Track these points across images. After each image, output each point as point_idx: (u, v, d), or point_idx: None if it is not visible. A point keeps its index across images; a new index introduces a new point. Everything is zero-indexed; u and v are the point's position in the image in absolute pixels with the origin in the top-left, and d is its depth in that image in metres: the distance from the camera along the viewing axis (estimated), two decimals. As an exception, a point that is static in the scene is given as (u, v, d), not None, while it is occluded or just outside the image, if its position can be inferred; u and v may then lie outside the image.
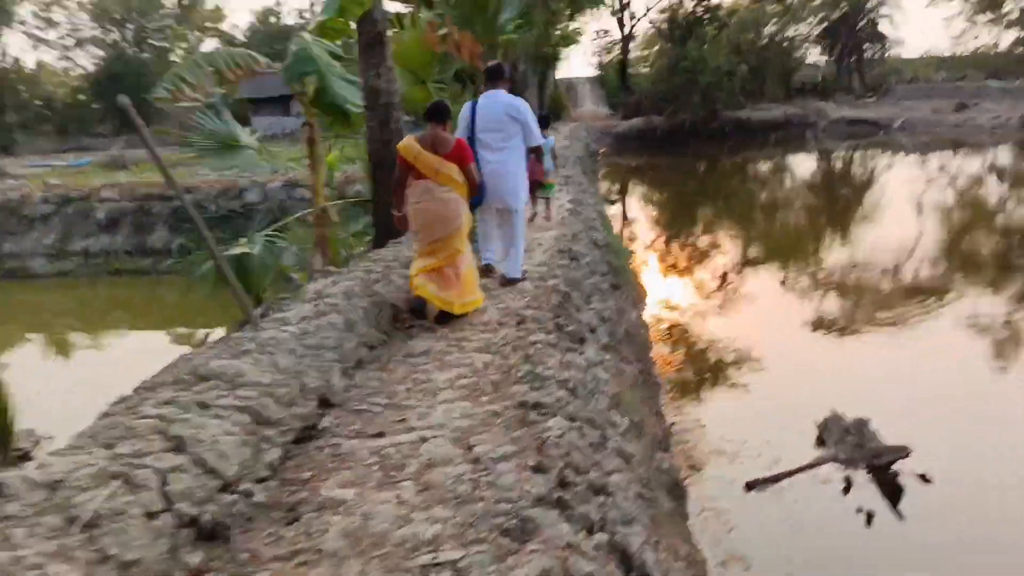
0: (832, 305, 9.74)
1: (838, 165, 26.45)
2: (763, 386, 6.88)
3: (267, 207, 14.31)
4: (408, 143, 4.79)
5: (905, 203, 17.04)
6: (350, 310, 4.24)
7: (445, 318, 4.71)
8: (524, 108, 5.41)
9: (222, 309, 7.11)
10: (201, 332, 10.07)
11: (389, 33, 7.18)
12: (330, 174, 8.76)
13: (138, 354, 9.38)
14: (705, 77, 30.44)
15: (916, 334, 8.25)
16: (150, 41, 49.73)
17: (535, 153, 6.11)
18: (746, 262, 12.73)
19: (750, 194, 21.66)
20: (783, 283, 11.11)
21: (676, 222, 17.69)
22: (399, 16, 8.73)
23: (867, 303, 9.72)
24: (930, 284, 10.35)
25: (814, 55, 45.30)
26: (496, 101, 5.32)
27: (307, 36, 6.96)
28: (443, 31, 7.87)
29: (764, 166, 27.68)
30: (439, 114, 4.85)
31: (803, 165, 27.23)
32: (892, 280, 10.63)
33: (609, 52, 45.69)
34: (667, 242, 14.89)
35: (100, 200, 15.45)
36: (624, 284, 8.06)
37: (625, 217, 17.74)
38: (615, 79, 41.27)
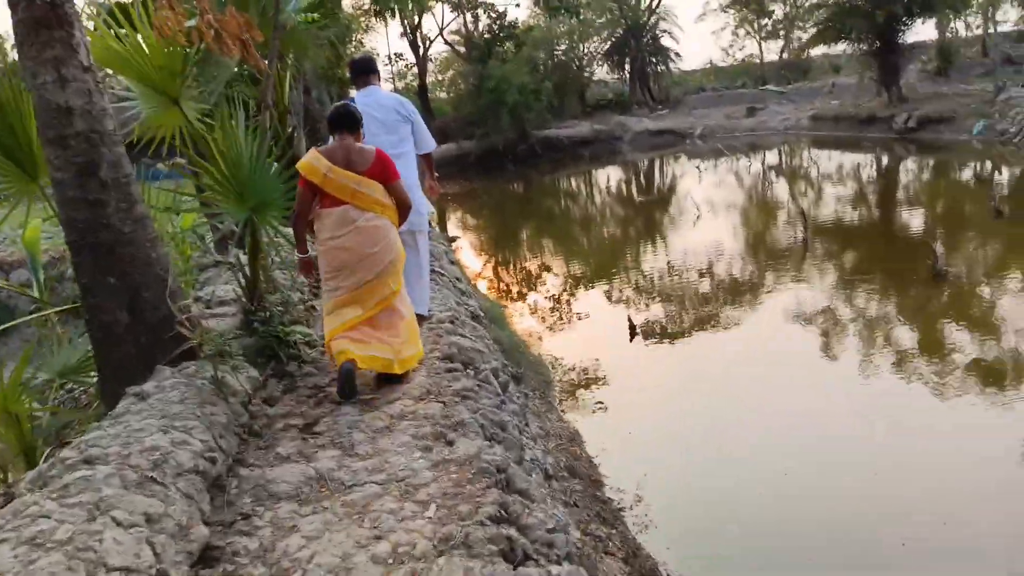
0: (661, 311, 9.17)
1: (650, 174, 26.34)
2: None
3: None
4: (312, 160, 3.90)
5: (713, 205, 16.63)
6: None
7: (386, 380, 3.87)
8: (413, 108, 4.90)
9: None
10: None
11: (88, 21, 4.29)
12: (33, 259, 5.45)
13: None
14: (511, 96, 29.20)
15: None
16: None
17: (427, 162, 5.12)
18: (577, 279, 11.21)
19: (575, 210, 20.44)
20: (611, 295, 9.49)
21: (509, 248, 15.79)
22: (119, 5, 5.64)
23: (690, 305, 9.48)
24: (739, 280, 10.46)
25: (601, 72, 46.95)
26: (379, 100, 4.78)
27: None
28: (191, 21, 4.96)
29: (582, 181, 26.89)
30: (347, 121, 4.01)
31: (618, 177, 26.85)
32: (709, 279, 10.69)
33: (403, 78, 43.81)
34: (498, 270, 12.91)
35: None
36: (525, 369, 5.67)
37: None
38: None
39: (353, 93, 5.07)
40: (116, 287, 3.71)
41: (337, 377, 3.72)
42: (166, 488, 2.46)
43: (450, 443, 3.13)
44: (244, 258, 4.42)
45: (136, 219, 3.79)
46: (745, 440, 5.50)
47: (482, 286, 11.50)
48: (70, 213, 3.67)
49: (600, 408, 6.26)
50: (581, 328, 8.80)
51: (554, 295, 10.96)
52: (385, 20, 29.14)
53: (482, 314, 6.40)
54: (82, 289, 3.75)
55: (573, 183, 27.16)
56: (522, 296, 11.20)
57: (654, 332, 8.16)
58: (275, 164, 4.36)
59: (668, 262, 12.11)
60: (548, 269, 12.98)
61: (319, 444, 3.25)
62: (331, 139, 4.16)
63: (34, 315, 4.75)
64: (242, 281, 4.22)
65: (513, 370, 5.64)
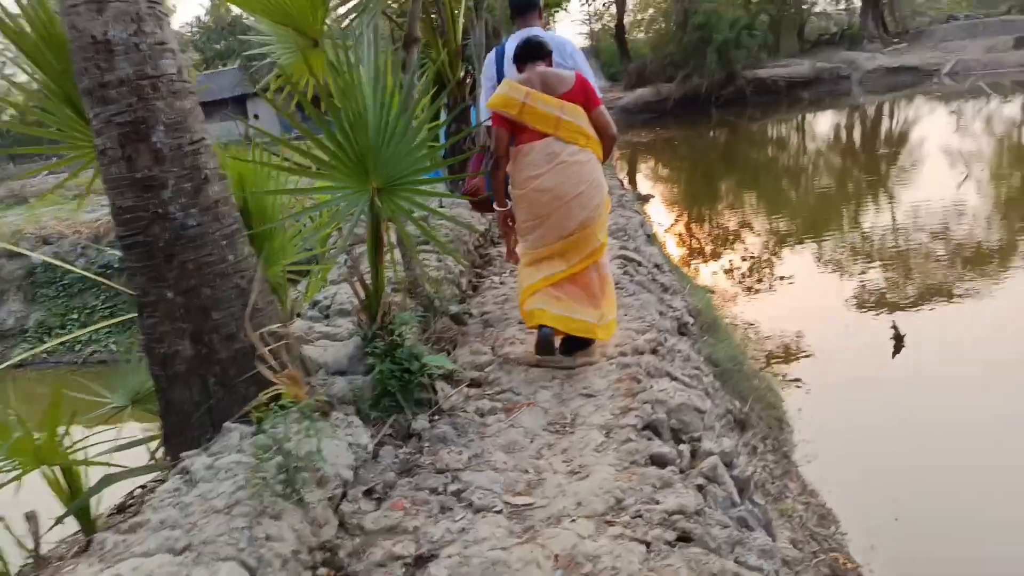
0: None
1: (883, 120, 22.28)
2: None
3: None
4: (506, 90, 3.32)
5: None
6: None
7: (575, 346, 3.32)
8: (576, 52, 4.04)
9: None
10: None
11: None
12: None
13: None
14: (721, 33, 26.12)
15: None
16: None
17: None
18: (801, 254, 8.79)
19: (792, 166, 17.55)
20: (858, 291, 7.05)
21: (711, 210, 13.63)
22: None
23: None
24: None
25: (823, 3, 41.38)
26: None
27: None
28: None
29: (800, 128, 23.45)
30: (536, 51, 3.45)
31: (846, 123, 23.05)
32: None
33: (600, 18, 41.54)
34: (696, 234, 10.84)
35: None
36: (751, 405, 3.99)
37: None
38: (611, 47, 37.16)
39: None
40: (175, 306, 2.58)
41: (536, 341, 3.27)
42: None
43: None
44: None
45: (206, 207, 2.62)
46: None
47: (679, 256, 9.70)
48: (115, 198, 2.56)
49: (854, 463, 4.44)
50: (814, 323, 6.80)
51: (775, 274, 8.91)
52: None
53: (691, 320, 4.74)
54: (137, 306, 2.66)
55: (789, 131, 23.80)
56: (732, 273, 9.25)
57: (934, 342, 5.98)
58: (420, 127, 3.01)
59: (933, 236, 9.44)
60: (763, 237, 10.82)
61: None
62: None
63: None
64: (359, 292, 2.95)
65: (738, 413, 4.00)
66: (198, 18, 41.99)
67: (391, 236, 3.45)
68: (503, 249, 5.35)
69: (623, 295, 4.12)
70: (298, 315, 3.67)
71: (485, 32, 8.66)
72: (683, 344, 3.84)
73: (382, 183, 2.93)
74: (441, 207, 6.29)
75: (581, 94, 3.36)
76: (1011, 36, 28.25)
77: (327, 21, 4.81)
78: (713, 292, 7.35)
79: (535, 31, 3.89)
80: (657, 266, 5.43)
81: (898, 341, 5.79)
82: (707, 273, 9.20)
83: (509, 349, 3.52)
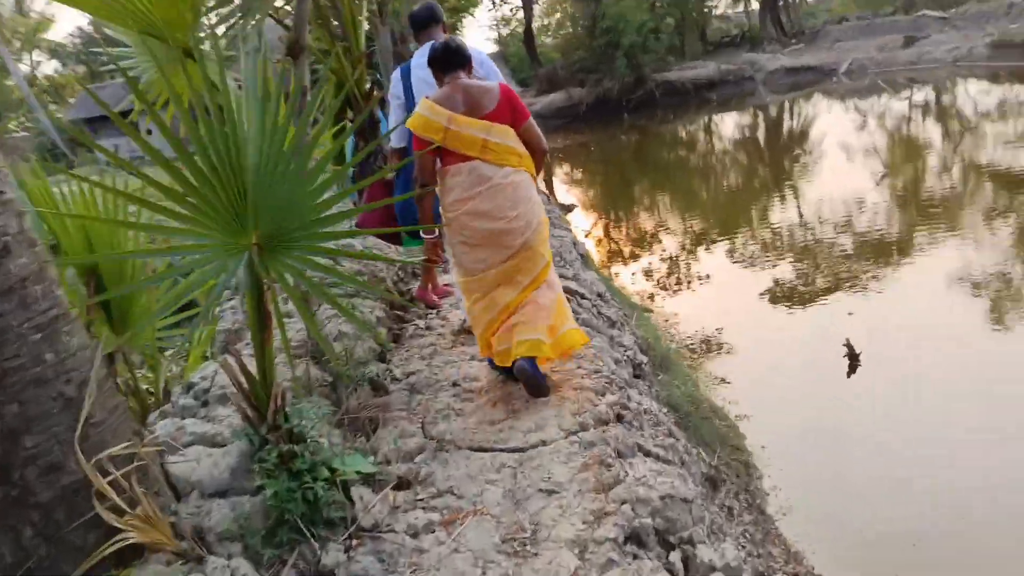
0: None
1: (790, 119, 22.83)
2: None
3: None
4: (426, 112, 3.03)
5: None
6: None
7: (530, 376, 2.91)
8: (484, 58, 3.87)
9: None
10: None
11: None
12: None
13: None
14: (628, 37, 26.19)
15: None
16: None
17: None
18: (732, 260, 8.56)
19: (715, 167, 17.60)
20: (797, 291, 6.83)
21: (634, 216, 13.37)
22: None
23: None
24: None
25: (722, 6, 42.57)
26: None
27: None
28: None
29: (712, 128, 23.73)
30: (457, 57, 3.14)
31: (755, 123, 23.48)
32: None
33: (508, 23, 41.27)
34: (619, 242, 10.50)
35: None
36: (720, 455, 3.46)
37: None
38: (520, 52, 36.95)
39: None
40: (-38, 432, 1.81)
41: (518, 379, 2.98)
42: None
43: None
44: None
45: (6, 289, 1.85)
46: None
47: (611, 270, 9.27)
48: None
49: (829, 511, 4.01)
50: (750, 336, 6.44)
51: (700, 277, 8.58)
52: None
53: (644, 359, 4.19)
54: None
55: (701, 132, 24.04)
56: (663, 283, 8.86)
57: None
58: (323, 161, 2.34)
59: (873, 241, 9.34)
60: (697, 243, 10.53)
61: None
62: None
63: None
64: (241, 381, 2.22)
65: (709, 469, 3.47)
66: (80, 28, 39.25)
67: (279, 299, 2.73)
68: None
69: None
70: (164, 403, 2.88)
71: (392, 38, 7.95)
72: (646, 399, 3.28)
73: (265, 237, 2.22)
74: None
75: (508, 111, 3.10)
76: (900, 35, 29.58)
77: (201, 28, 4.03)
78: (651, 311, 6.89)
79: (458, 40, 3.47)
80: (600, 295, 4.88)
81: (853, 360, 5.46)
82: (641, 284, 8.77)
83: (443, 427, 2.85)
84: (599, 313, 4.38)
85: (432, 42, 3.81)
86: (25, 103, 36.02)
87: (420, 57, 3.97)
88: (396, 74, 4.14)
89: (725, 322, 6.76)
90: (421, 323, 4.15)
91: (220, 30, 5.08)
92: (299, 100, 3.07)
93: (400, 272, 5.11)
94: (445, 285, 4.90)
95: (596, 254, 9.92)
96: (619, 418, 2.84)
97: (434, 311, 4.40)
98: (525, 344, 2.94)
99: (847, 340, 5.53)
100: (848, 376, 5.40)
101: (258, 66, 2.28)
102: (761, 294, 7.70)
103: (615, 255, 10.89)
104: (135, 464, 2.00)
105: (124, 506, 1.90)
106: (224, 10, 4.50)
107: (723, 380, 5.42)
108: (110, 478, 1.92)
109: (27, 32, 38.50)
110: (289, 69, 3.10)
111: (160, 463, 2.19)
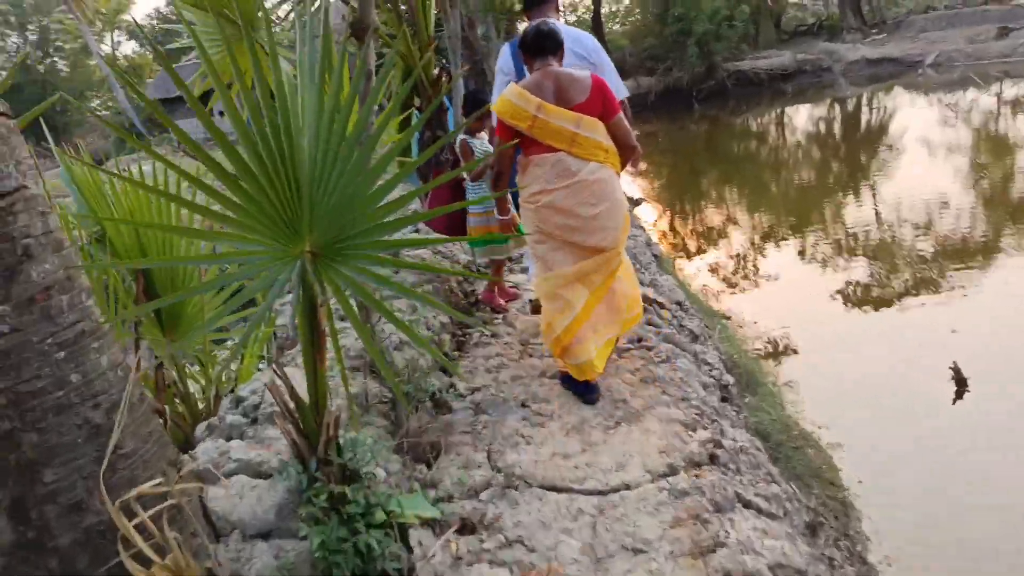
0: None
1: (882, 113, 21.62)
2: None
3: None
4: (515, 98, 2.88)
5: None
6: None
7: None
8: (596, 46, 3.78)
9: None
10: None
11: None
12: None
13: None
14: (701, 25, 25.30)
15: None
16: (58, 44, 43.92)
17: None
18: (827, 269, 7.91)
19: (800, 163, 16.77)
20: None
21: (709, 212, 12.76)
22: None
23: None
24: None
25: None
26: None
27: None
28: None
29: (789, 121, 22.72)
30: (549, 43, 3.01)
31: (836, 115, 22.35)
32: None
33: (575, 10, 40.55)
34: (693, 241, 9.96)
35: None
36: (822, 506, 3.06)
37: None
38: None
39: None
40: (-25, 465, 1.58)
41: (577, 388, 2.98)
42: None
43: None
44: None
45: (25, 301, 1.61)
46: None
47: (683, 269, 8.79)
48: None
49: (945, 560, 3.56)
50: (833, 348, 5.91)
51: (773, 279, 8.04)
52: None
53: (731, 379, 3.78)
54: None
55: (776, 124, 23.05)
56: (735, 282, 8.34)
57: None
58: (386, 159, 2.05)
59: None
60: (761, 240, 9.95)
61: None
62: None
63: None
64: (289, 405, 1.94)
65: (809, 516, 3.07)
66: (157, 10, 40.36)
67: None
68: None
69: (654, 360, 3.16)
70: (214, 412, 2.65)
71: (460, 23, 7.64)
72: (739, 432, 2.89)
73: (320, 244, 1.94)
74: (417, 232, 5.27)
75: (599, 103, 2.93)
76: (993, 26, 27.80)
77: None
78: (728, 318, 6.43)
79: (551, 24, 3.34)
80: (679, 303, 4.48)
81: (961, 385, 4.92)
82: (711, 282, 8.27)
83: (512, 458, 2.54)
84: (681, 326, 4.00)
85: (545, 20, 3.67)
86: (106, 82, 37.27)
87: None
88: (506, 48, 4.02)
89: (803, 332, 6.25)
90: (487, 330, 3.84)
91: (285, 9, 4.81)
92: (363, 85, 2.79)
93: (464, 270, 4.82)
94: (512, 287, 4.58)
95: (664, 249, 9.46)
96: (712, 459, 2.47)
97: (500, 316, 4.10)
98: (602, 354, 2.98)
99: (954, 363, 4.99)
100: (954, 403, 4.87)
101: (319, 46, 1.99)
102: (844, 301, 7.14)
103: (682, 250, 10.41)
104: (167, 503, 1.75)
105: (152, 555, 1.65)
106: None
107: (808, 400, 4.95)
108: (137, 520, 1.66)
109: (108, 13, 39.77)
110: (353, 51, 2.82)
111: (199, 496, 1.94)
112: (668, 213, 13.51)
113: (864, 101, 23.85)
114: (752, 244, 10.22)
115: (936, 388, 5.04)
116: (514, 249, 4.32)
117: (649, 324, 3.66)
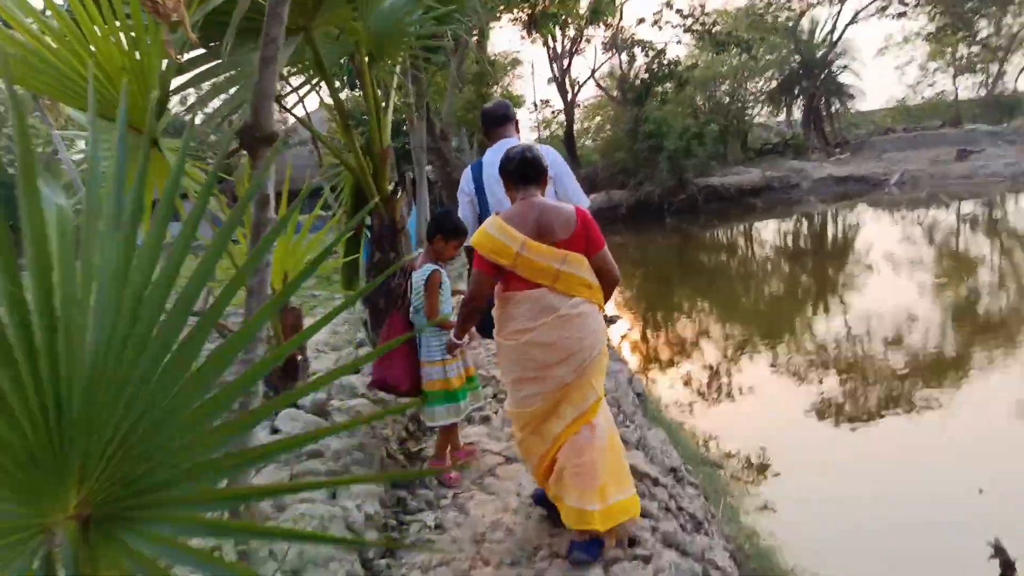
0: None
1: (853, 229, 21.74)
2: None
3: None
4: (497, 233, 2.76)
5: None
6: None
7: (591, 548, 2.65)
8: (556, 158, 3.68)
9: None
10: None
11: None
12: None
13: None
14: (671, 141, 25.77)
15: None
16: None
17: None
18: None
19: (775, 277, 16.45)
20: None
21: (684, 332, 12.15)
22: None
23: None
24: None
25: (762, 115, 42.55)
26: None
27: None
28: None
29: (761, 235, 22.73)
30: (532, 170, 2.87)
31: (811, 231, 22.45)
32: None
33: (548, 125, 41.69)
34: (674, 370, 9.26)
35: None
36: None
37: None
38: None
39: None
40: None
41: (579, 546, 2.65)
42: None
43: None
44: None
45: None
46: None
47: (666, 400, 8.01)
48: None
49: None
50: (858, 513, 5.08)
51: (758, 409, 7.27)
52: (548, 35, 27.05)
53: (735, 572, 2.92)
54: None
55: (752, 238, 23.05)
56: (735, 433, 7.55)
57: None
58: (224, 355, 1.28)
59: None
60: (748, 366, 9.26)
61: None
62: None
63: None
64: None
65: None
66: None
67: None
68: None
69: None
70: None
71: (432, 133, 7.04)
72: None
73: (99, 500, 1.11)
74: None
75: (583, 239, 2.80)
76: (952, 147, 28.81)
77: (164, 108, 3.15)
78: (722, 468, 5.59)
79: (508, 143, 3.54)
80: (673, 471, 3.65)
81: (1007, 569, 4.09)
82: (706, 424, 7.47)
83: None
84: (679, 508, 3.15)
85: (505, 140, 3.84)
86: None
87: (493, 154, 3.81)
88: (467, 173, 3.99)
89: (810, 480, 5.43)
90: (431, 518, 2.96)
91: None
92: (256, 214, 2.04)
93: (412, 424, 3.97)
94: (468, 444, 3.74)
95: (644, 384, 8.72)
96: None
97: (450, 494, 3.23)
98: (573, 513, 2.65)
99: (996, 540, 4.18)
100: (1002, 585, 4.02)
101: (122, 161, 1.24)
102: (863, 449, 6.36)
103: (654, 361, 9.77)
104: None
105: None
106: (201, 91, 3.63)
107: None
108: None
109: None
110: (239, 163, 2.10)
111: None
112: (639, 324, 12.95)
113: (835, 216, 24.11)
114: (727, 358, 9.60)
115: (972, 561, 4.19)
116: (472, 405, 3.52)
117: (644, 517, 2.82)
